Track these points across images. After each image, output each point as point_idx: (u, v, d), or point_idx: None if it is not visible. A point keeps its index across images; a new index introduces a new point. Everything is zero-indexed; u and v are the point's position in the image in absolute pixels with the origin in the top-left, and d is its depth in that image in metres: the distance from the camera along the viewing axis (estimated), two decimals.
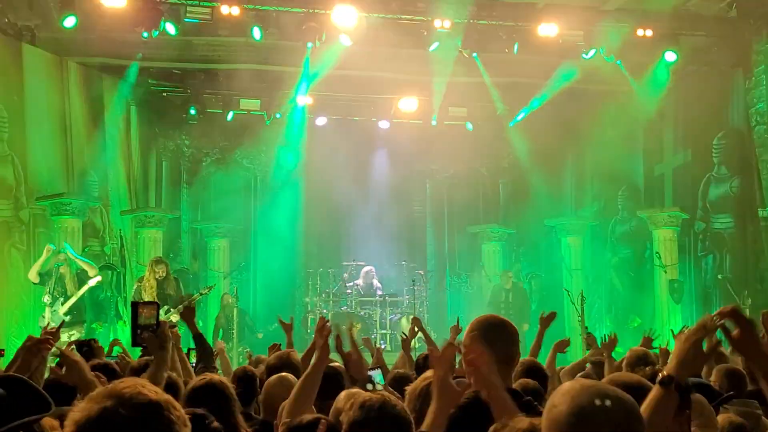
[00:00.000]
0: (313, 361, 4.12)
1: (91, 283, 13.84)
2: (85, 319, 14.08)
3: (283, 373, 4.98)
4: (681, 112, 16.57)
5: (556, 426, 2.03)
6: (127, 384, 1.95)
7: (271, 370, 5.17)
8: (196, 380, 4.21)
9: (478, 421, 3.05)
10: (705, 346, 2.72)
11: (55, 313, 13.33)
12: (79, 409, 1.87)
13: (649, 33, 14.47)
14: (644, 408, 2.59)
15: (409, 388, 3.72)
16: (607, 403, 2.02)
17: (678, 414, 2.65)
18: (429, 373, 4.17)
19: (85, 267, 13.98)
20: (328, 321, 4.46)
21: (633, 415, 2.07)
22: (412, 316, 8.96)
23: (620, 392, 2.09)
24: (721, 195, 15.79)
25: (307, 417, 3.59)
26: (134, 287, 14.55)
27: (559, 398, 2.07)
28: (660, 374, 2.66)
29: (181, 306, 14.38)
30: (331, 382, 4.59)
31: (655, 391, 2.65)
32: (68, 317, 13.33)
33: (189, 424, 1.96)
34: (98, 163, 16.00)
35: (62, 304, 13.48)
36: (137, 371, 5.05)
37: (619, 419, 2.02)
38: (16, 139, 14.23)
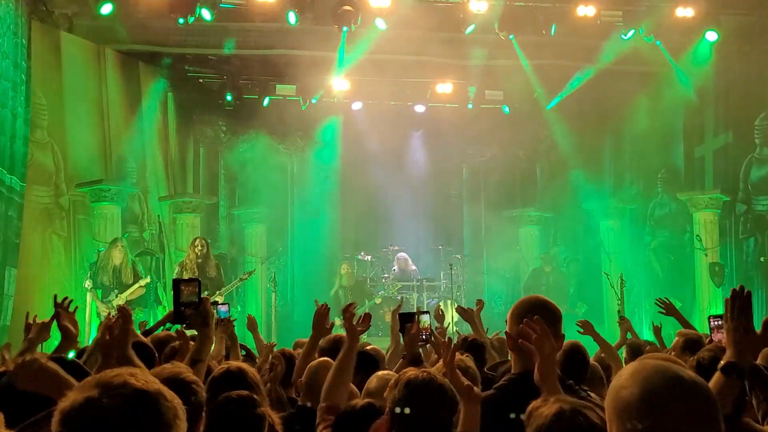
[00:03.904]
0: (344, 346, 4.06)
1: (142, 283, 13.97)
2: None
3: (325, 357, 4.93)
4: (722, 92, 16.25)
5: (626, 409, 1.90)
6: (117, 372, 1.87)
7: (324, 353, 5.08)
8: (215, 370, 4.19)
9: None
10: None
11: (110, 304, 13.38)
12: (65, 398, 1.82)
13: (689, 12, 14.15)
14: None
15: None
16: (682, 387, 1.89)
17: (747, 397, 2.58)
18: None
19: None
20: (353, 305, 4.42)
21: (709, 400, 1.94)
22: (456, 306, 8.77)
23: (694, 375, 1.96)
24: (764, 176, 15.53)
25: (360, 403, 3.56)
26: (176, 271, 14.67)
27: (628, 380, 1.94)
28: (721, 362, 2.60)
29: (224, 289, 14.50)
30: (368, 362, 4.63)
31: (716, 378, 2.58)
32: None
33: (183, 415, 1.87)
34: (136, 149, 16.12)
35: (117, 295, 13.58)
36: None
37: (694, 404, 1.90)
38: (55, 126, 14.38)
